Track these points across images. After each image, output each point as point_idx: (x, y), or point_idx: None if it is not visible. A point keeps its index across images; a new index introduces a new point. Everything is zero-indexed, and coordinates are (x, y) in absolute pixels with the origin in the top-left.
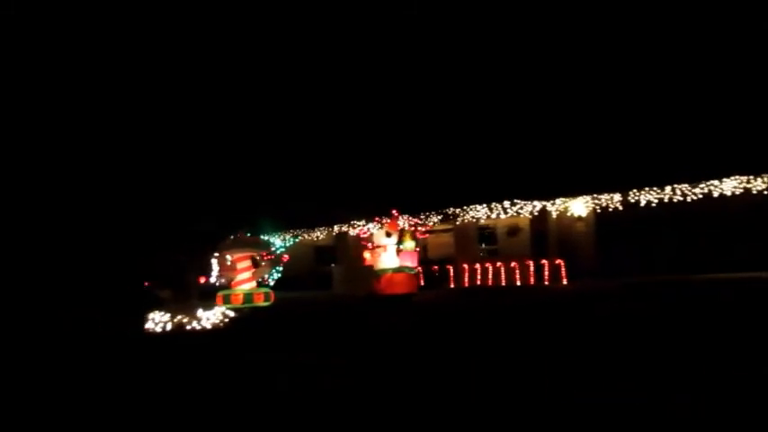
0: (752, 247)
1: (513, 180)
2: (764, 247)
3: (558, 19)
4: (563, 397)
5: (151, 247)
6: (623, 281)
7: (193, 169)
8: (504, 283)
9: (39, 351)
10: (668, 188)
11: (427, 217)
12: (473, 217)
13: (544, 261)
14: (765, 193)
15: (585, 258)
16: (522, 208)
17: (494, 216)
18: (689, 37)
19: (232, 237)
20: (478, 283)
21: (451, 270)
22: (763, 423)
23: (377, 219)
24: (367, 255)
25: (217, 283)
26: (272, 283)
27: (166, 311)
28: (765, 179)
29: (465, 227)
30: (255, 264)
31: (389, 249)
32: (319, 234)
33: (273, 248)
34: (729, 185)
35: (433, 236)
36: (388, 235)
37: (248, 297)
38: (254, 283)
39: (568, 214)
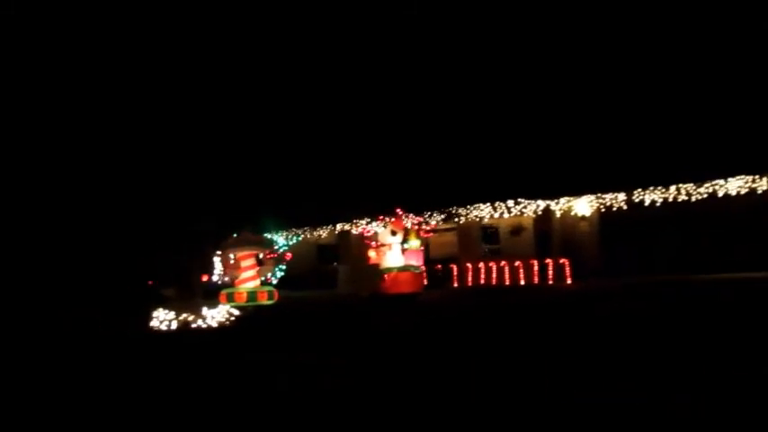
0: (755, 247)
1: (517, 179)
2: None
3: (560, 17)
4: (563, 397)
5: (151, 246)
6: (627, 280)
7: (193, 169)
8: (507, 283)
9: (39, 351)
10: (673, 188)
11: (430, 216)
12: (476, 216)
13: (548, 260)
14: None
15: (589, 258)
16: (525, 207)
17: (497, 215)
18: (695, 36)
19: (235, 235)
20: (482, 282)
21: (455, 269)
22: (764, 423)
23: (381, 217)
24: (372, 254)
25: (219, 282)
26: (275, 282)
27: (171, 310)
28: None
29: (468, 226)
30: (259, 262)
31: (394, 248)
32: (322, 233)
33: (276, 247)
34: (734, 185)
35: (435, 235)
36: (393, 233)
37: (252, 295)
38: (257, 282)
39: (572, 214)
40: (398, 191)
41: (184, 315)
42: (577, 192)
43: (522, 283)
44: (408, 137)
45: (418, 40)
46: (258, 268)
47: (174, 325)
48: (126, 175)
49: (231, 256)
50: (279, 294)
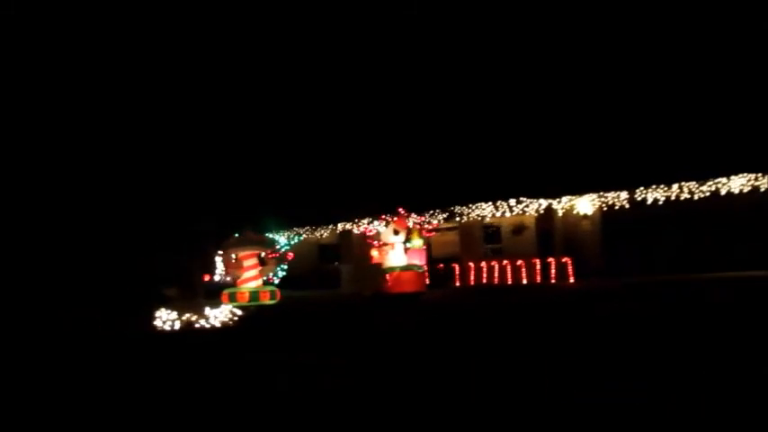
0: (758, 245)
1: (519, 178)
2: None
3: (561, 16)
4: (563, 397)
5: (152, 246)
6: (629, 280)
7: (194, 169)
8: (510, 282)
9: (39, 351)
10: (675, 186)
11: (432, 215)
12: (478, 215)
13: (551, 259)
14: None
15: (591, 257)
16: (527, 206)
17: (499, 214)
18: (698, 34)
19: (237, 235)
20: (484, 281)
21: (457, 268)
22: (763, 423)
23: (383, 217)
24: (375, 253)
25: (221, 281)
26: (276, 282)
27: (173, 310)
28: None
29: (470, 225)
30: (261, 262)
31: (397, 247)
32: (323, 233)
33: (278, 246)
34: (737, 183)
35: (437, 234)
36: (396, 233)
37: (254, 295)
38: (260, 282)
39: (574, 213)
40: (400, 190)
41: (187, 315)
42: (579, 190)
43: (525, 282)
44: (409, 136)
45: (418, 40)
46: (260, 268)
47: (177, 325)
48: (126, 175)
49: (233, 255)
50: (281, 294)
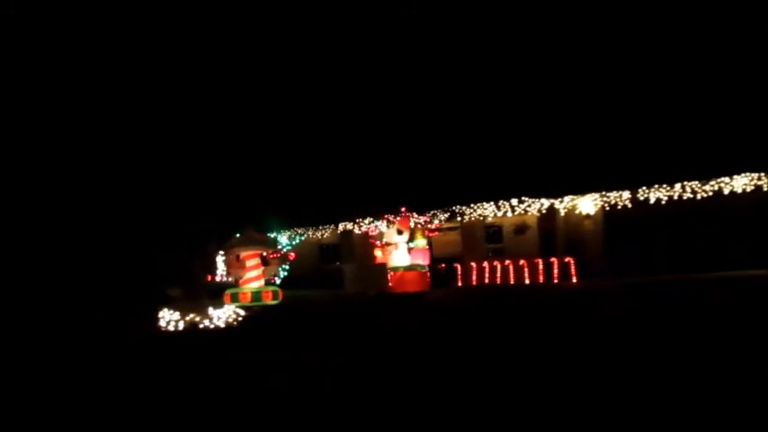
0: (761, 244)
1: (521, 178)
2: None
3: (562, 16)
4: (563, 397)
5: (152, 246)
6: (632, 279)
7: (194, 168)
8: (512, 282)
9: (39, 351)
10: (678, 185)
11: (434, 215)
12: (480, 215)
13: (553, 259)
14: None
15: (593, 257)
16: (529, 206)
17: (500, 214)
18: (701, 33)
19: (238, 235)
20: (486, 281)
21: (459, 268)
22: (763, 423)
23: (386, 216)
24: (378, 253)
25: (224, 281)
26: (278, 282)
27: (176, 310)
28: None
29: (472, 225)
30: (264, 262)
31: (401, 247)
32: (324, 232)
33: (280, 246)
34: (740, 183)
35: (438, 234)
36: (400, 233)
37: (256, 295)
38: (262, 282)
39: (576, 212)
40: (401, 190)
41: (191, 315)
42: (582, 190)
43: (527, 282)
44: (411, 136)
45: (418, 40)
46: (263, 268)
47: (181, 325)
48: (126, 175)
49: (236, 255)
50: (283, 294)
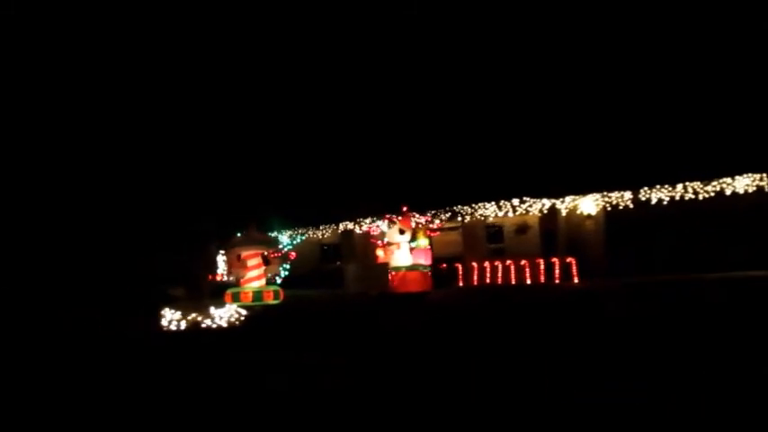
0: (763, 245)
1: (522, 178)
2: None
3: (563, 15)
4: (563, 397)
5: (152, 246)
6: (633, 280)
7: (194, 169)
8: (513, 282)
9: (39, 351)
10: (680, 186)
11: (435, 215)
12: (481, 215)
13: (554, 259)
14: None
15: (595, 257)
16: (531, 206)
17: (501, 214)
18: (704, 33)
19: (239, 234)
20: (488, 281)
21: (460, 268)
22: (764, 423)
23: (388, 216)
24: (380, 252)
25: (226, 281)
26: (279, 281)
27: (178, 310)
28: None
29: (473, 225)
30: (266, 261)
31: (403, 247)
32: (325, 232)
33: (281, 246)
34: (742, 183)
35: (439, 234)
36: (402, 232)
37: (258, 295)
38: (263, 281)
39: (578, 212)
40: (403, 190)
41: (193, 315)
42: (583, 190)
43: (528, 282)
44: (412, 136)
45: (418, 40)
46: (264, 267)
47: (184, 325)
48: (127, 175)
49: (237, 255)
50: (284, 294)
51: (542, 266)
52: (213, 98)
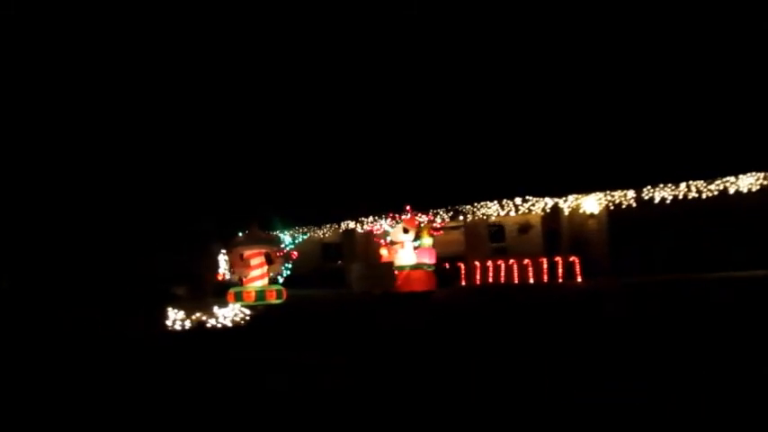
0: (767, 245)
1: (525, 177)
2: None
3: (564, 14)
4: (563, 397)
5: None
6: (636, 279)
7: (194, 169)
8: (516, 281)
9: (39, 351)
10: (683, 185)
11: (437, 214)
12: (484, 214)
13: (558, 258)
14: None
15: (598, 256)
16: (533, 205)
17: (504, 213)
18: (708, 32)
19: (240, 234)
20: (490, 280)
21: (463, 268)
22: (763, 423)
23: (392, 215)
24: (384, 251)
25: (230, 280)
26: (280, 281)
27: (181, 309)
28: None
29: (475, 224)
30: (269, 260)
31: (407, 246)
32: (326, 231)
33: (283, 245)
34: (746, 182)
35: (441, 233)
36: (406, 231)
37: (260, 294)
38: (266, 281)
39: (581, 211)
40: (405, 189)
41: (197, 314)
42: (586, 189)
43: (531, 281)
44: (414, 135)
45: (418, 40)
46: (267, 267)
47: (188, 324)
48: (128, 175)
49: (239, 254)
50: (287, 293)
51: (545, 266)
52: (214, 98)
